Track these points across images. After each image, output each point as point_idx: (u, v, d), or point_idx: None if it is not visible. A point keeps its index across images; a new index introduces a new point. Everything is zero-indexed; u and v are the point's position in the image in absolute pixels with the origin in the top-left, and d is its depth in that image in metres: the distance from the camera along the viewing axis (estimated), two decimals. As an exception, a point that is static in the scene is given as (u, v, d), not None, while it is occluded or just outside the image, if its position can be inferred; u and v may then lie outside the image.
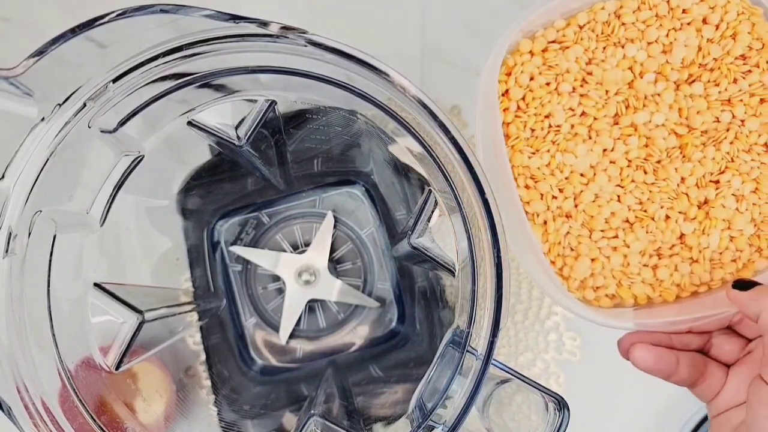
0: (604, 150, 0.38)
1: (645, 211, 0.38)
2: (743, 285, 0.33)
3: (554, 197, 0.38)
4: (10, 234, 0.27)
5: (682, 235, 0.38)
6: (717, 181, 0.38)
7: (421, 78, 0.47)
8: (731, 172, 0.38)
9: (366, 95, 0.27)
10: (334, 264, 0.44)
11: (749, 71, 0.38)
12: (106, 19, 0.24)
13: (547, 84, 0.39)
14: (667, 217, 0.38)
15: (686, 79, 0.39)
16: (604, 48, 0.39)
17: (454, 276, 0.29)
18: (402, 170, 0.38)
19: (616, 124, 0.39)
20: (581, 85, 0.39)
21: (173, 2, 0.24)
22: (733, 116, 0.38)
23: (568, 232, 0.38)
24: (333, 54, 0.25)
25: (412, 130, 0.27)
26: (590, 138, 0.39)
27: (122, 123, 0.28)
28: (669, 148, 0.38)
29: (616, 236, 0.38)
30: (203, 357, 0.42)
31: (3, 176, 0.26)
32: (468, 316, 0.27)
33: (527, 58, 0.39)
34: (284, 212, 0.44)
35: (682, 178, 0.38)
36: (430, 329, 0.42)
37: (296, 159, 0.40)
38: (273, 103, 0.30)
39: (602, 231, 0.38)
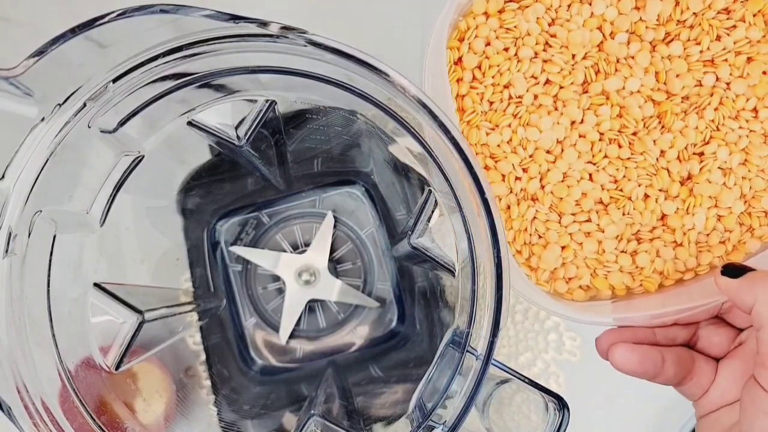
0: (573, 122, 0.34)
1: (620, 190, 0.34)
2: (734, 271, 0.29)
3: (518, 178, 0.34)
4: (10, 234, 0.27)
5: (663, 216, 0.35)
6: (701, 153, 0.34)
7: (421, 78, 0.47)
8: (717, 142, 0.34)
9: (366, 95, 0.27)
10: (334, 264, 0.44)
11: (734, 27, 0.34)
12: (106, 19, 0.24)
13: (506, 49, 0.34)
14: (646, 196, 0.34)
15: (663, 39, 0.34)
16: (569, 6, 0.34)
17: (454, 276, 0.29)
18: (402, 170, 0.38)
19: (585, 92, 0.34)
20: (544, 50, 0.34)
21: (173, 2, 0.24)
22: (717, 79, 0.34)
23: (534, 217, 0.34)
24: (333, 54, 0.25)
25: (412, 130, 0.27)
26: (556, 109, 0.34)
27: (122, 123, 0.28)
28: (646, 117, 0.34)
29: (589, 220, 0.34)
30: (203, 357, 0.42)
31: (3, 176, 0.26)
32: (468, 316, 0.27)
33: (482, 20, 0.34)
34: (284, 212, 0.44)
35: (662, 152, 0.34)
36: (430, 329, 0.42)
37: (296, 159, 0.40)
38: (273, 103, 0.30)
39: (573, 214, 0.34)
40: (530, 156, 0.34)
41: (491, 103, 0.34)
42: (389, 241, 0.44)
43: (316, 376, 0.42)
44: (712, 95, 0.34)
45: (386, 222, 0.44)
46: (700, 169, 0.34)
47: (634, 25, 0.34)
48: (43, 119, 0.26)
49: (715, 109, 0.34)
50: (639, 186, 0.34)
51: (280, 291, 0.44)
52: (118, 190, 0.31)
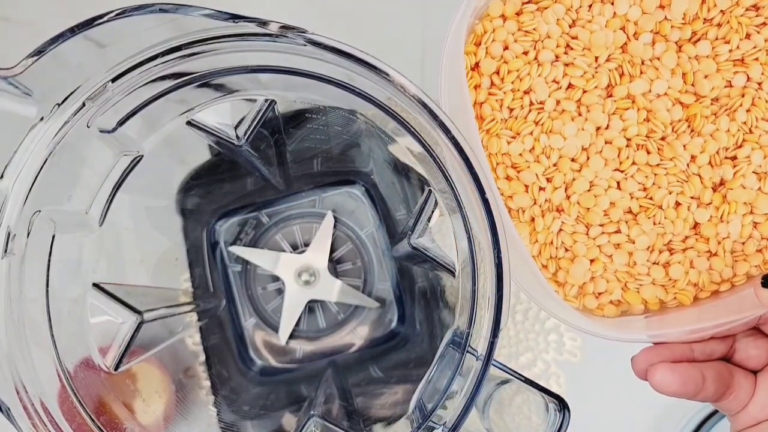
0: (598, 128, 0.33)
1: (650, 198, 0.33)
2: None
3: (541, 188, 0.33)
4: (9, 234, 0.27)
5: (696, 225, 0.33)
6: (734, 158, 0.33)
7: (421, 78, 0.47)
8: (750, 145, 0.32)
9: (366, 95, 0.27)
10: (334, 264, 0.44)
11: (764, 24, 0.32)
12: (105, 18, 0.23)
13: (525, 53, 0.33)
14: (678, 204, 0.33)
15: (689, 38, 0.33)
16: (590, 6, 0.33)
17: (454, 276, 0.29)
18: (402, 170, 0.38)
19: (610, 96, 0.33)
20: (565, 53, 0.33)
21: (172, 1, 0.24)
22: (749, 79, 0.33)
23: (560, 230, 0.33)
24: (333, 53, 0.25)
25: (412, 129, 0.27)
26: (580, 115, 0.33)
27: (121, 123, 0.28)
28: (674, 121, 0.33)
29: (618, 231, 0.33)
30: (202, 357, 0.42)
31: (2, 176, 0.26)
32: (468, 317, 0.27)
33: (499, 23, 0.33)
34: (284, 212, 0.44)
35: (693, 157, 0.33)
36: (430, 330, 0.42)
37: (296, 159, 0.40)
38: (272, 102, 0.30)
39: (601, 225, 0.33)
40: (554, 165, 0.33)
41: (511, 109, 0.33)
42: (389, 241, 0.44)
43: (315, 377, 0.42)
44: (743, 96, 0.33)
45: (386, 222, 0.44)
46: (734, 174, 0.33)
47: (659, 24, 0.33)
48: (42, 119, 0.26)
49: (747, 111, 0.33)
50: (670, 194, 0.33)
51: (280, 291, 0.44)
52: (117, 190, 0.31)
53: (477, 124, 0.33)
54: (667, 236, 0.33)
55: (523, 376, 0.27)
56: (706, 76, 0.33)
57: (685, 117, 0.33)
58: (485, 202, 0.25)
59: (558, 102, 0.33)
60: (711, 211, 0.33)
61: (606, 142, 0.33)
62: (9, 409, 0.25)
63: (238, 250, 0.43)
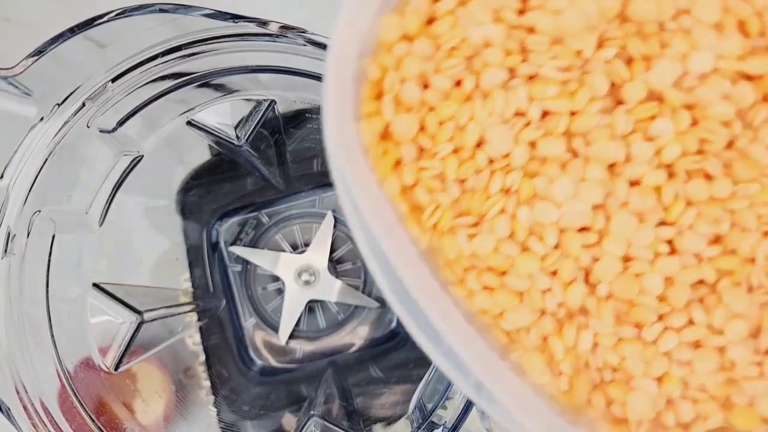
0: (611, 166, 0.19)
1: (732, 252, 0.19)
2: None
3: (546, 291, 0.20)
4: (9, 234, 0.27)
5: None
6: None
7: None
8: None
9: (366, 95, 0.27)
10: (334, 264, 0.44)
11: None
12: (105, 18, 0.24)
13: (458, 84, 0.19)
14: None
15: None
16: None
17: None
18: (402, 170, 0.38)
19: (619, 104, 0.19)
20: (523, 60, 0.19)
21: (172, 1, 0.24)
22: None
23: (595, 344, 0.20)
24: (333, 53, 0.25)
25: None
26: (575, 156, 0.19)
27: (121, 123, 0.28)
28: (743, 109, 0.19)
29: (691, 322, 0.20)
30: (202, 357, 0.42)
31: (2, 176, 0.26)
32: (468, 317, 0.27)
33: (403, 49, 0.19)
34: (284, 212, 0.44)
35: None
36: (430, 329, 0.42)
37: (296, 159, 0.40)
38: (273, 102, 0.30)
39: (660, 320, 0.20)
40: (555, 247, 0.20)
41: (461, 182, 0.20)
42: (389, 242, 0.44)
43: (315, 377, 0.42)
44: None
45: (386, 222, 0.44)
46: None
47: None
48: (42, 119, 0.26)
49: None
50: (765, 235, 0.19)
51: (280, 291, 0.44)
52: (117, 190, 0.31)
53: (414, 224, 0.20)
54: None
55: (523, 376, 0.27)
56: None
57: (761, 97, 0.19)
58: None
59: (533, 146, 0.19)
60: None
61: (631, 185, 0.19)
62: (9, 409, 0.25)
63: (238, 250, 0.43)
